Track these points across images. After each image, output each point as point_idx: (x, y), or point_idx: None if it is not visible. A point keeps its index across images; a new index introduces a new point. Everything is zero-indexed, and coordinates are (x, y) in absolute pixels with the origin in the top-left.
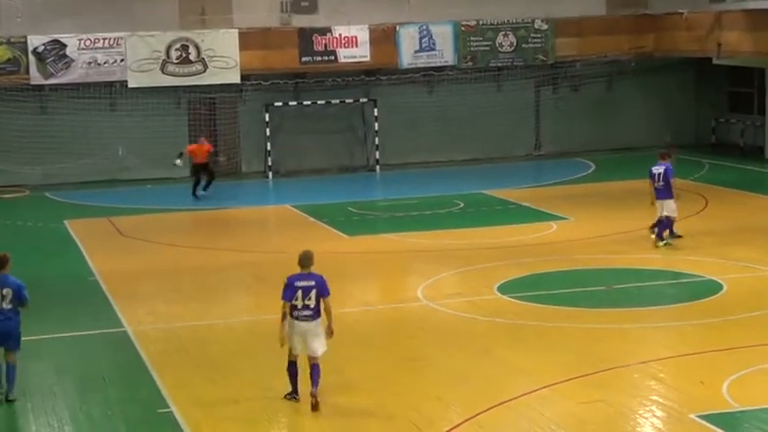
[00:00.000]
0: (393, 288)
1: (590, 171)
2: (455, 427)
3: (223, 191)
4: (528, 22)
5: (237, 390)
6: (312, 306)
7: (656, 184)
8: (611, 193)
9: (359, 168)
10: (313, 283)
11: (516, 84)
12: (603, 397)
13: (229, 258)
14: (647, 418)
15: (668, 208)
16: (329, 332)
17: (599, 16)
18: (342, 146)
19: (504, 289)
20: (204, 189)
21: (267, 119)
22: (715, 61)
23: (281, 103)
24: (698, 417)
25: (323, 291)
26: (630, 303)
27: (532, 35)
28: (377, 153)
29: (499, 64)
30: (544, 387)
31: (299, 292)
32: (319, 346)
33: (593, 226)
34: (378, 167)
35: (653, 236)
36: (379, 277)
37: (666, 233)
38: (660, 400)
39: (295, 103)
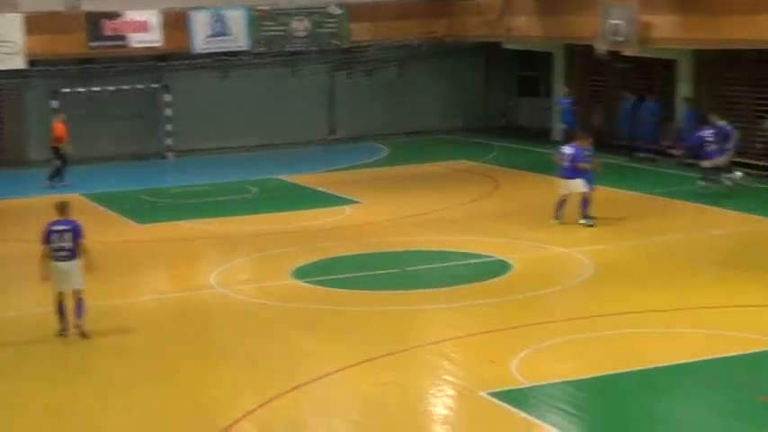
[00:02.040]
0: (185, 275)
1: (383, 155)
2: (249, 414)
3: (7, 180)
4: (322, 7)
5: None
6: (68, 247)
7: (562, 163)
8: (404, 176)
9: (151, 155)
10: (69, 227)
11: (311, 69)
12: (396, 378)
13: (10, 250)
14: (438, 398)
15: (576, 188)
16: (90, 268)
17: (393, 1)
18: (133, 132)
19: (299, 274)
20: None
21: (55, 105)
22: (504, 46)
23: (69, 90)
24: (488, 394)
25: (77, 233)
26: (422, 285)
27: (326, 20)
28: (169, 139)
29: (293, 49)
30: (338, 370)
31: (56, 236)
32: (79, 282)
33: (385, 209)
34: (170, 154)
35: (554, 220)
36: (171, 265)
37: (587, 211)
38: (451, 379)
39: (84, 89)
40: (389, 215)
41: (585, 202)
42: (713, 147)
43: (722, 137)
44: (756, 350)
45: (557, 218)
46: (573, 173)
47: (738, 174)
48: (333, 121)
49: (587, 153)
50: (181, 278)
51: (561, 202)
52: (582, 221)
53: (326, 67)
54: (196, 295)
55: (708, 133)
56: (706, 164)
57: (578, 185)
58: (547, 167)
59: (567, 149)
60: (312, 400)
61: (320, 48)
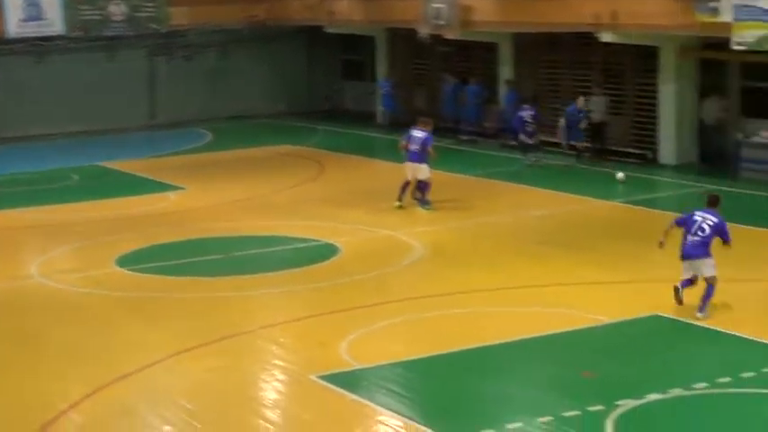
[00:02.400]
0: (5, 266)
1: (206, 140)
2: (75, 405)
3: None
4: None
5: None
6: None
7: (411, 147)
8: (228, 161)
9: None
10: None
11: (130, 54)
12: (227, 363)
13: None
14: (269, 382)
15: (422, 173)
16: None
17: None
18: None
19: (123, 262)
20: None
21: None
22: (327, 30)
23: None
24: (317, 377)
25: None
26: (250, 270)
27: (145, 4)
28: None
29: (111, 33)
30: (167, 357)
31: None
32: None
33: (210, 195)
34: None
35: (397, 202)
36: None
37: (427, 196)
38: (281, 364)
39: None
40: (214, 201)
41: (426, 186)
42: (532, 127)
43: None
44: (579, 327)
45: (399, 200)
46: (421, 157)
47: (621, 174)
48: (154, 106)
49: (424, 133)
50: (0, 269)
51: (405, 186)
52: (420, 204)
53: (145, 51)
54: (17, 286)
55: (527, 114)
56: (525, 140)
57: (425, 170)
58: (371, 151)
59: (418, 133)
60: (141, 388)
61: (138, 32)
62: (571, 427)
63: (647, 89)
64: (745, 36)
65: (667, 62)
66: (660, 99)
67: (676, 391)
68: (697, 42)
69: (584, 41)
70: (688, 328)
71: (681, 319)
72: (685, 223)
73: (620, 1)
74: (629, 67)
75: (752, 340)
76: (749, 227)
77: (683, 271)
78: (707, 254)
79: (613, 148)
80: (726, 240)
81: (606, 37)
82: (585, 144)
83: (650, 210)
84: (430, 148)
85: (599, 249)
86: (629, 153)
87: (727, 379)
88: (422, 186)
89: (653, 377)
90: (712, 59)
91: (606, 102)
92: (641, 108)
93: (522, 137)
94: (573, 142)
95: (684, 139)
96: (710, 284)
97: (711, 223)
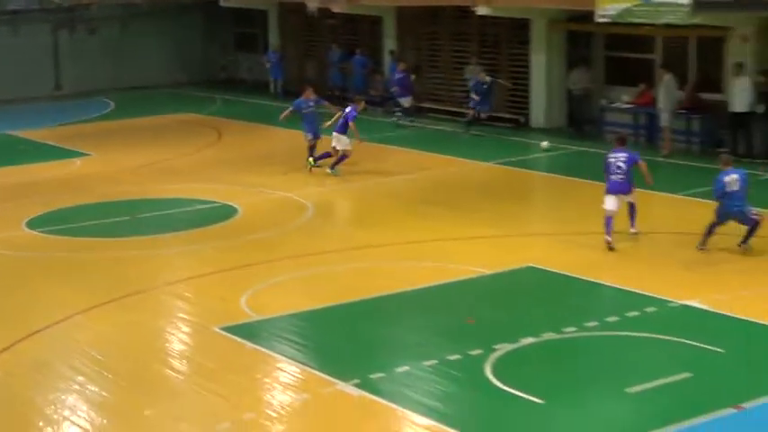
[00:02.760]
0: None
1: (110, 109)
2: None
3: None
4: None
5: None
6: None
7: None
8: (132, 129)
9: None
10: None
11: (33, 27)
12: (134, 319)
13: None
14: (174, 334)
15: (342, 143)
16: None
17: None
18: None
19: (33, 224)
20: None
21: None
22: (222, 4)
23: None
24: (220, 329)
25: None
26: (154, 231)
27: None
28: None
29: (15, 7)
30: (78, 313)
31: None
32: None
33: (116, 160)
34: None
35: (311, 165)
36: None
37: (338, 166)
38: (186, 317)
39: None
40: (119, 166)
41: (344, 156)
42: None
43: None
44: (461, 278)
45: (314, 164)
46: (344, 128)
47: (545, 143)
48: (59, 78)
49: (311, 103)
50: None
51: (325, 154)
52: (329, 170)
53: (49, 26)
54: None
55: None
56: (403, 102)
57: (344, 141)
58: (265, 118)
59: (348, 108)
60: (54, 343)
61: (41, 6)
62: (453, 369)
63: (519, 59)
64: (608, 9)
65: (538, 34)
66: (532, 68)
67: (548, 335)
68: (565, 15)
69: (462, 14)
70: (559, 278)
71: (552, 269)
72: (606, 167)
73: None
74: (504, 38)
75: (615, 287)
76: None
77: (608, 202)
78: (630, 188)
79: (495, 113)
80: (638, 161)
81: (482, 10)
82: (487, 114)
83: (523, 170)
84: (351, 124)
85: (478, 207)
86: (504, 118)
87: (594, 323)
88: (342, 156)
89: (527, 323)
90: (579, 31)
91: (482, 72)
92: (514, 77)
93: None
94: (480, 111)
95: (554, 105)
96: (632, 204)
97: (624, 159)
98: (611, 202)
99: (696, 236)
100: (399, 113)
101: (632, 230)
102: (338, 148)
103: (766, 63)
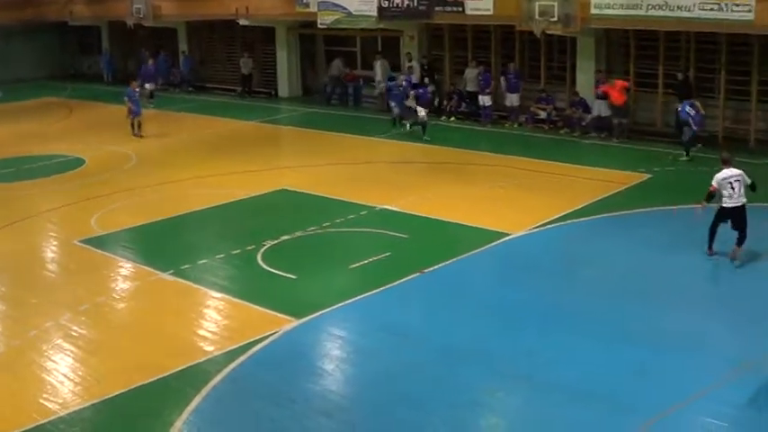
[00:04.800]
0: None
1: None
2: None
3: None
4: None
5: None
6: None
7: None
8: (8, 109)
9: None
10: None
11: None
12: (20, 237)
13: None
14: (48, 246)
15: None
16: None
17: None
18: None
19: None
20: None
21: None
22: (70, 23)
23: None
24: (78, 242)
25: None
26: (30, 177)
27: None
28: None
29: None
30: None
31: None
32: None
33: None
34: None
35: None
36: None
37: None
38: (55, 235)
39: None
40: (3, 133)
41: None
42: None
43: None
44: (237, 198)
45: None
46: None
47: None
48: None
49: (137, 91)
50: None
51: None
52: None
53: None
54: None
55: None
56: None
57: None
58: (101, 98)
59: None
60: None
61: None
62: (235, 259)
63: (269, 54)
64: (325, 19)
65: (280, 37)
66: (277, 59)
67: (298, 233)
68: (298, 23)
69: (231, 24)
70: (304, 196)
71: (299, 190)
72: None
73: (251, 0)
74: (258, 39)
75: (340, 200)
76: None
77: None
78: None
79: (257, 89)
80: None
81: (243, 22)
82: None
83: (274, 125)
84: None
85: (247, 151)
86: (262, 91)
87: (328, 224)
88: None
89: (284, 226)
90: (307, 34)
91: (250, 62)
92: (266, 64)
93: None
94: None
95: (293, 82)
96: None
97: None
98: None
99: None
100: (191, 89)
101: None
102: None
103: (424, 52)
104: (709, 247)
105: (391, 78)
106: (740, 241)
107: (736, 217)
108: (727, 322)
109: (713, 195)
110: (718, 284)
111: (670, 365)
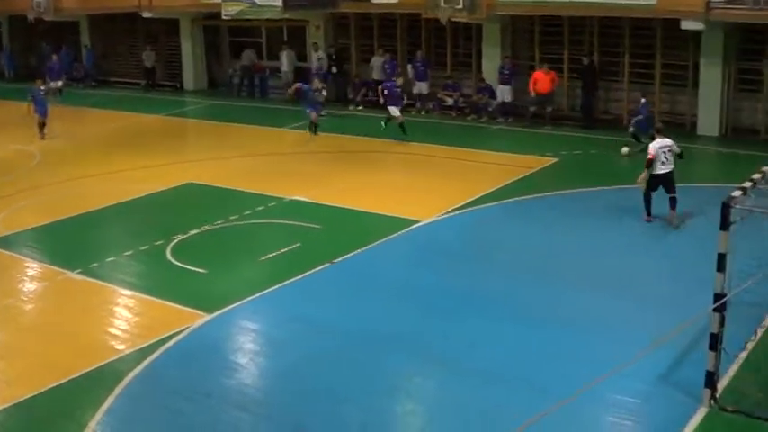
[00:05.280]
0: None
1: None
2: None
3: None
4: None
5: None
6: None
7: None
8: None
9: None
10: None
11: None
12: None
13: None
14: None
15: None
16: None
17: None
18: None
19: None
20: None
21: None
22: None
23: None
24: None
25: None
26: None
27: None
28: None
29: None
30: None
31: None
32: None
33: None
34: None
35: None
36: None
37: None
38: None
39: None
40: None
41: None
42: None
43: None
44: (146, 193)
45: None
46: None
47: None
48: None
49: (42, 90)
50: None
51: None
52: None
53: None
54: None
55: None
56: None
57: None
58: (3, 96)
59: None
60: None
61: None
62: (144, 255)
63: (173, 46)
64: (229, 10)
65: (185, 29)
66: (182, 51)
67: (206, 227)
68: (202, 15)
69: (134, 17)
70: (210, 189)
71: (205, 183)
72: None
73: None
74: (162, 31)
75: (246, 192)
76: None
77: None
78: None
79: (161, 82)
80: None
81: (146, 14)
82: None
83: (180, 119)
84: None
85: (152, 145)
86: (166, 84)
87: (235, 216)
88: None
89: (192, 220)
90: (211, 25)
91: (153, 55)
92: (171, 57)
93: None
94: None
95: (198, 74)
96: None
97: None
98: None
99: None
100: (94, 84)
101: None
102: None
103: (331, 41)
104: (648, 214)
105: (303, 80)
106: (673, 205)
107: (668, 182)
108: (638, 301)
109: (652, 163)
110: (630, 264)
111: (582, 345)
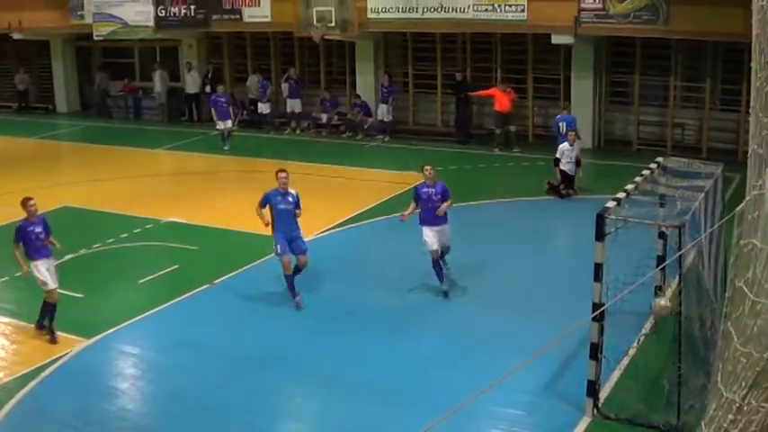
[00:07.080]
0: None
1: None
2: None
3: None
4: None
5: None
6: None
7: None
8: None
9: None
10: None
11: None
12: None
13: None
14: None
15: None
16: None
17: None
18: None
19: None
20: None
21: None
22: None
23: None
24: None
25: None
26: None
27: None
28: None
29: None
30: None
31: None
32: None
33: None
34: None
35: None
36: None
37: None
38: None
39: None
40: None
41: None
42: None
43: None
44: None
45: None
46: None
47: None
48: None
49: None
50: None
51: None
52: None
53: None
54: None
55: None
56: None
57: None
58: None
59: None
60: None
61: None
62: (21, 281)
63: (45, 68)
64: (101, 31)
65: (56, 50)
66: (54, 72)
67: (83, 251)
68: (74, 36)
69: (4, 38)
70: (86, 212)
71: (80, 206)
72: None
73: (24, 13)
74: (34, 54)
75: (123, 214)
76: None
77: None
78: None
79: (34, 104)
80: None
81: (17, 35)
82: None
83: (53, 141)
84: None
85: (24, 169)
86: (38, 107)
87: (112, 239)
88: None
89: (70, 244)
90: (84, 46)
91: (27, 78)
92: (43, 79)
93: None
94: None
95: (71, 96)
96: None
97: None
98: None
99: None
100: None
101: None
102: None
103: (204, 61)
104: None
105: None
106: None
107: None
108: (518, 312)
109: (558, 162)
110: (509, 276)
111: (466, 357)
